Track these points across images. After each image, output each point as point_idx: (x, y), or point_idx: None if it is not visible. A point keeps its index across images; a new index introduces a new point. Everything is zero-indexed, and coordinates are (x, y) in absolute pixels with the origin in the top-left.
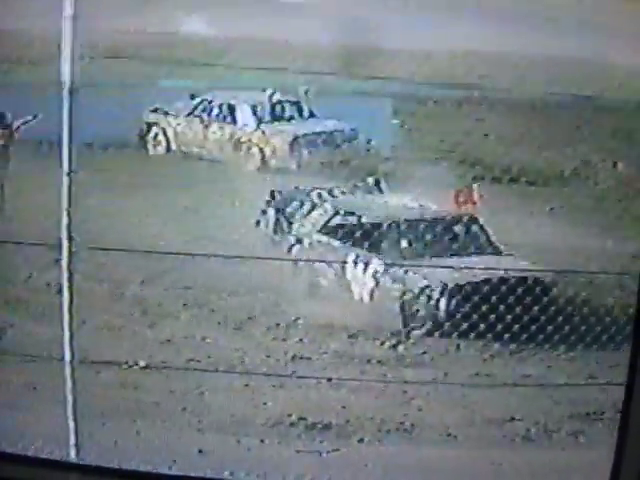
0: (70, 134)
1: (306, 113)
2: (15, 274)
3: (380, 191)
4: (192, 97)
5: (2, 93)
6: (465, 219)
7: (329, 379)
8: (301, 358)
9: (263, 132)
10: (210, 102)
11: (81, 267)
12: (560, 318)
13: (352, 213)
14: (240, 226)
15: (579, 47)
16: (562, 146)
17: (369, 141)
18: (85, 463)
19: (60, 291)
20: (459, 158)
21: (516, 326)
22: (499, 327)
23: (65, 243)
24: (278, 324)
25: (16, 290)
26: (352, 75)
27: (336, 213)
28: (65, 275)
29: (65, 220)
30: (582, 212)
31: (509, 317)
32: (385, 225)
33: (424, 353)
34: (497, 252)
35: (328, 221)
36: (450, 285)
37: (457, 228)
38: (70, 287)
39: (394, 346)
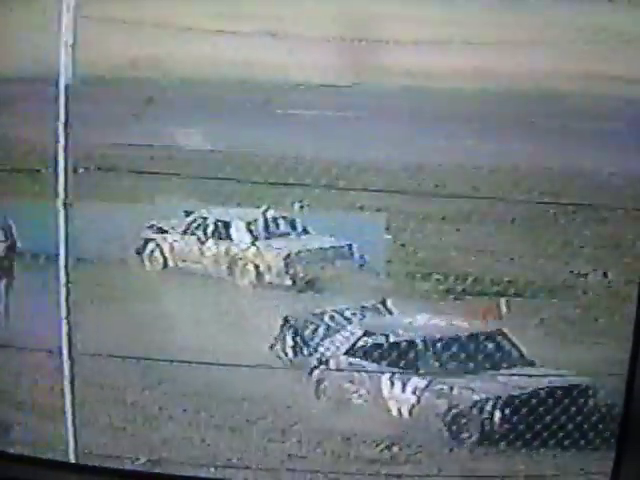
0: (66, 247)
1: (300, 229)
2: (20, 377)
3: (389, 312)
4: (187, 214)
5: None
6: (495, 334)
7: None
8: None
9: (258, 248)
10: (205, 219)
11: (82, 372)
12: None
13: (380, 334)
14: (243, 341)
15: (572, 158)
16: (552, 258)
17: (363, 257)
18: None
19: (63, 394)
20: (452, 272)
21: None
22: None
23: (65, 350)
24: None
25: (22, 392)
26: (344, 188)
27: (364, 334)
28: (67, 379)
29: (64, 328)
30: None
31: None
32: (420, 343)
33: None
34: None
35: (355, 343)
36: (503, 398)
37: (489, 343)
38: (72, 391)
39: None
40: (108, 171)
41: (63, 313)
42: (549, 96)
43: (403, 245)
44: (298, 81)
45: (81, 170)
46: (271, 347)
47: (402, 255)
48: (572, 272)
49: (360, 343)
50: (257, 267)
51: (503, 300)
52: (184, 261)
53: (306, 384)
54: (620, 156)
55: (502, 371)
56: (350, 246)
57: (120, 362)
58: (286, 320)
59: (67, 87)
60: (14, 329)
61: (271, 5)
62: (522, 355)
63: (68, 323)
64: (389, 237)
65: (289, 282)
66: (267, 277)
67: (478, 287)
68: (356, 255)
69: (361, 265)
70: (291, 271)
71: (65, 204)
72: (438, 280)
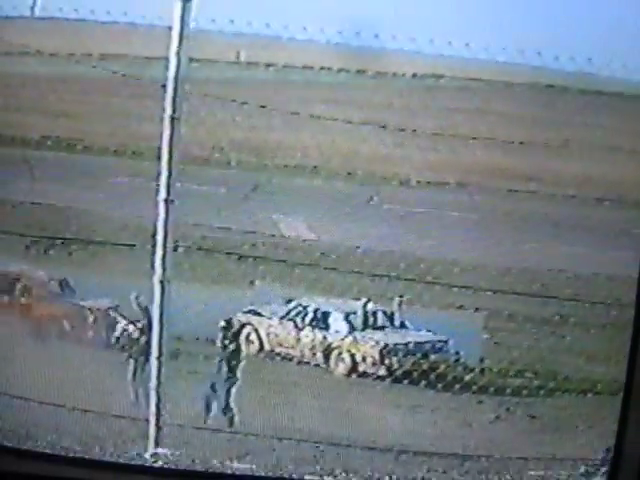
0: (161, 324)
1: (397, 323)
2: None
3: None
4: (288, 301)
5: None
6: None
7: None
8: None
9: (355, 338)
10: (305, 307)
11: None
12: None
13: None
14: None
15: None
16: None
17: (457, 352)
18: None
19: None
20: (543, 371)
21: None
22: None
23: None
24: None
25: None
26: (444, 288)
27: None
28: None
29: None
30: None
31: None
32: None
33: None
34: None
35: None
36: None
37: None
38: None
39: None
40: (208, 252)
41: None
42: None
43: (498, 343)
44: (406, 177)
45: (181, 249)
46: None
47: (497, 353)
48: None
49: None
50: (353, 356)
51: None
52: (280, 345)
53: None
54: None
55: None
56: (446, 342)
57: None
58: None
59: (169, 163)
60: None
61: (383, 95)
62: None
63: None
64: (486, 336)
65: (384, 372)
66: (362, 367)
67: (567, 385)
68: (451, 350)
69: (456, 360)
70: (387, 362)
71: (162, 282)
72: (529, 378)
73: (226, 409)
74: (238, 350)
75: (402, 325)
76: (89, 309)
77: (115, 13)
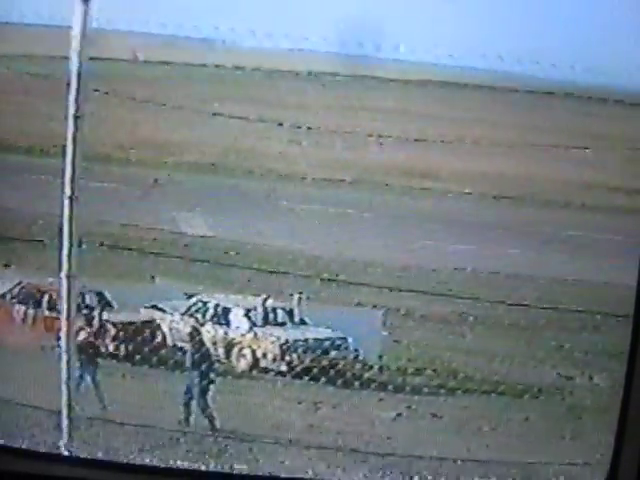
0: (68, 319)
1: (297, 319)
2: None
3: None
4: (188, 297)
5: None
6: None
7: None
8: None
9: (255, 334)
10: (205, 303)
11: None
12: None
13: None
14: None
15: (569, 266)
16: (541, 361)
17: (357, 350)
18: None
19: None
20: (443, 370)
21: None
22: None
23: None
24: None
25: None
26: (343, 285)
27: None
28: None
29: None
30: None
31: None
32: None
33: None
34: None
35: None
36: None
37: None
38: None
39: None
40: (112, 248)
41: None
42: (549, 204)
43: (397, 341)
44: (303, 174)
45: (84, 245)
46: None
47: (396, 350)
48: (560, 375)
49: None
50: (254, 352)
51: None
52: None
53: None
54: (615, 266)
55: None
56: (345, 339)
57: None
58: None
59: (73, 161)
60: None
61: (279, 92)
62: None
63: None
64: (385, 333)
65: (285, 368)
66: (263, 362)
67: (468, 384)
68: (351, 348)
69: (355, 357)
70: (287, 358)
71: (68, 277)
72: (429, 376)
73: None
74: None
75: (302, 322)
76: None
77: (15, 14)
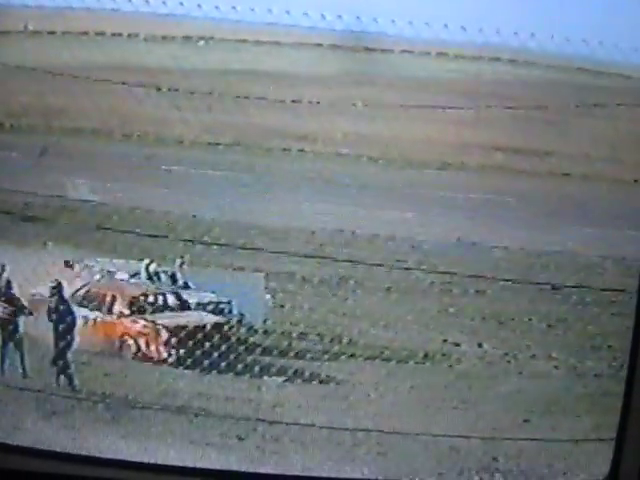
0: None
1: (181, 283)
2: None
3: None
4: (76, 262)
5: None
6: None
7: None
8: None
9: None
10: (91, 267)
11: None
12: None
13: None
14: None
15: (455, 227)
16: (426, 326)
17: (241, 314)
18: None
19: None
20: (327, 334)
21: None
22: None
23: None
24: None
25: None
26: (227, 248)
27: None
28: None
29: None
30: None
31: None
32: None
33: None
34: None
35: None
36: None
37: None
38: None
39: None
40: (3, 214)
41: None
42: (427, 165)
43: (280, 305)
44: (180, 137)
45: None
46: None
47: (279, 314)
48: (445, 341)
49: None
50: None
51: None
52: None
53: None
54: (495, 227)
55: None
56: (229, 303)
57: None
58: None
59: None
60: None
61: (157, 57)
62: None
63: None
64: (268, 297)
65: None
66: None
67: (352, 349)
68: (235, 311)
69: (239, 321)
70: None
71: None
72: (313, 340)
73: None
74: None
75: (185, 286)
76: None
77: None
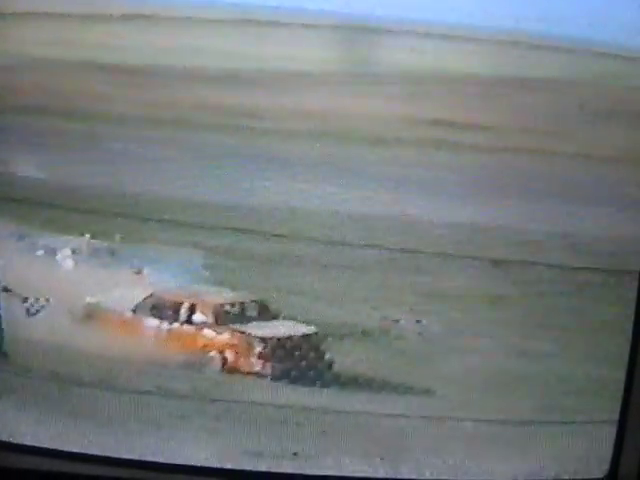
0: None
1: (121, 258)
2: None
3: None
4: (20, 238)
5: None
6: None
7: None
8: None
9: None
10: (34, 243)
11: None
12: None
13: None
14: None
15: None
16: (365, 302)
17: None
18: None
19: None
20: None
21: None
22: None
23: None
24: None
25: None
26: (164, 224)
27: None
28: None
29: None
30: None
31: None
32: None
33: None
34: None
35: None
36: None
37: None
38: None
39: None
40: None
41: None
42: (366, 139)
43: (221, 283)
44: (122, 114)
45: None
46: None
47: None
48: (385, 317)
49: None
50: None
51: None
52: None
53: None
54: (447, 206)
55: None
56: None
57: None
58: None
59: None
60: None
61: (100, 37)
62: None
63: None
64: (207, 274)
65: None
66: None
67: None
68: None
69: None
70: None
71: None
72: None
73: None
74: None
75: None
76: None
77: None
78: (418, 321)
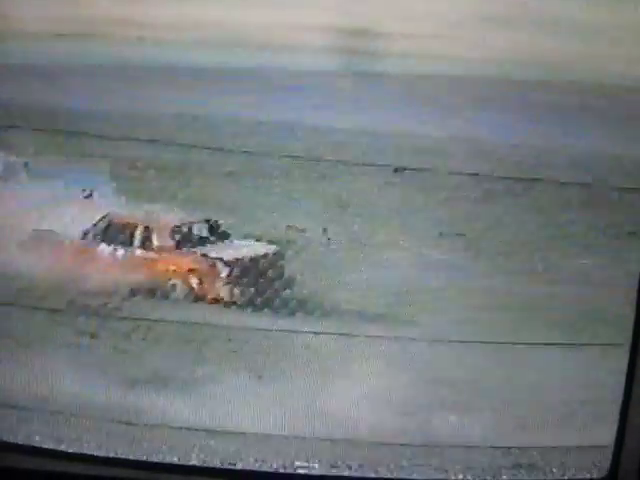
0: None
1: (31, 171)
2: None
3: None
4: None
5: None
6: None
7: None
8: None
9: None
10: None
11: None
12: None
13: None
14: None
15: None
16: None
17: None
18: None
19: None
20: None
21: None
22: None
23: None
24: None
25: None
26: (69, 136)
27: None
28: None
29: None
30: None
31: None
32: None
33: None
34: None
35: None
36: None
37: None
38: None
39: None
40: None
41: None
42: None
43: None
44: (28, 29)
45: None
46: None
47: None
48: (290, 226)
49: None
50: None
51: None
52: None
53: None
54: (348, 112)
55: None
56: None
57: None
58: None
59: None
60: None
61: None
62: None
63: None
64: (114, 185)
65: None
66: None
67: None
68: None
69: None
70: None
71: None
72: None
73: None
74: None
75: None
76: None
77: None
78: (324, 230)
